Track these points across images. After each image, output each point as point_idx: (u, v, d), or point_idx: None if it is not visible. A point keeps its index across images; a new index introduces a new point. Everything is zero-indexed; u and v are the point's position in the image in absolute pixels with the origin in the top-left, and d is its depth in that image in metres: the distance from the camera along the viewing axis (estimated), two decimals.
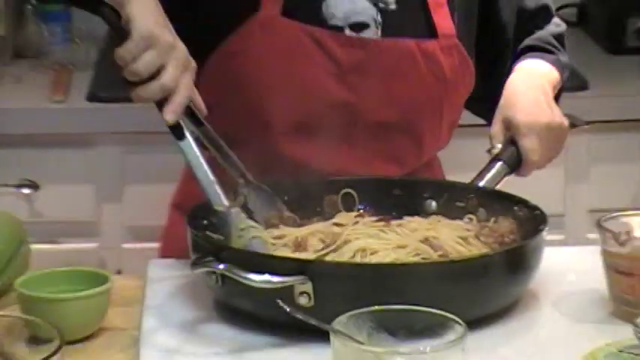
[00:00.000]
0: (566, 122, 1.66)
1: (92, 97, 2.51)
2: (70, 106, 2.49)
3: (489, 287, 1.36)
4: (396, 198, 1.57)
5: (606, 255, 1.41)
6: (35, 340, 1.18)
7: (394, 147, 1.69)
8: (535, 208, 1.48)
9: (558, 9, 3.13)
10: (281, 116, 1.65)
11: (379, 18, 1.66)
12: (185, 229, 1.45)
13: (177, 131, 1.43)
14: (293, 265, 1.31)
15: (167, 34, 1.43)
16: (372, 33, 1.66)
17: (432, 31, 1.68)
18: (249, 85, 1.64)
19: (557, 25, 1.83)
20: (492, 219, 1.51)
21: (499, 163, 1.62)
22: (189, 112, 1.46)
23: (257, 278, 1.29)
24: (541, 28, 1.80)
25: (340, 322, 1.20)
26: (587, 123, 1.82)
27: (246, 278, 1.29)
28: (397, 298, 1.22)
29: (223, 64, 1.64)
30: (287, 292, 1.28)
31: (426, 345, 1.19)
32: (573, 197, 2.60)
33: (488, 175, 1.62)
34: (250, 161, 1.55)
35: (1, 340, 1.26)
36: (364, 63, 1.65)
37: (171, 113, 1.41)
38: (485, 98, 1.73)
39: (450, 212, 1.55)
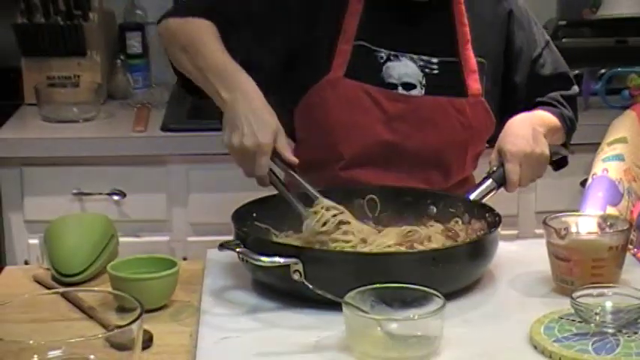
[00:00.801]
0: (546, 153, 1.63)
1: (165, 128, 2.51)
2: (149, 134, 2.49)
3: (457, 269, 1.36)
4: (407, 203, 1.56)
5: (549, 246, 1.40)
6: (122, 310, 1.19)
7: (425, 175, 1.70)
8: (497, 214, 1.47)
9: None
10: (345, 150, 1.66)
11: (424, 80, 1.67)
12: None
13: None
14: (290, 251, 1.31)
15: (249, 140, 1.46)
16: (417, 91, 1.67)
17: (463, 91, 1.68)
18: (323, 126, 1.66)
19: (572, 89, 1.80)
20: (473, 221, 1.51)
21: (489, 180, 1.60)
22: (285, 163, 1.49)
23: (265, 259, 1.30)
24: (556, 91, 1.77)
25: (350, 296, 1.20)
26: (571, 152, 1.80)
27: (256, 259, 1.31)
28: (365, 279, 1.23)
29: (306, 110, 1.67)
30: (286, 270, 1.28)
31: (414, 313, 1.19)
32: (524, 202, 2.58)
33: (480, 189, 1.60)
34: (322, 182, 1.56)
35: (97, 310, 1.27)
36: (406, 113, 1.66)
37: (258, 168, 1.46)
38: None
39: (445, 215, 1.54)
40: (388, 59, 1.66)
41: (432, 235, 1.46)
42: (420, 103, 1.67)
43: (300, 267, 1.28)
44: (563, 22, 2.88)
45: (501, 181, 1.61)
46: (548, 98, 1.76)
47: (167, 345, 1.26)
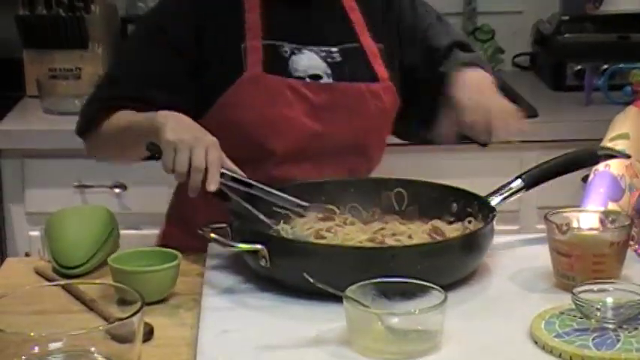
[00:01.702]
0: (488, 74, 1.67)
1: None
2: None
3: (449, 261, 1.36)
4: (432, 199, 1.57)
5: (551, 241, 1.40)
6: (123, 302, 1.19)
7: (350, 163, 1.70)
8: (494, 215, 1.47)
9: (515, 57, 3.13)
10: (272, 147, 1.64)
11: (328, 70, 1.67)
12: (178, 238, 1.58)
13: (222, 196, 1.44)
14: (259, 238, 1.35)
15: (186, 134, 1.43)
16: (325, 82, 1.67)
17: (374, 77, 1.70)
18: (246, 126, 1.63)
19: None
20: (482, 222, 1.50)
21: (518, 180, 1.58)
22: (236, 180, 1.45)
23: (237, 244, 1.35)
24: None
25: (351, 291, 1.20)
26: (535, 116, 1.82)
27: (230, 245, 1.36)
28: (359, 272, 1.24)
29: (223, 113, 1.63)
30: (256, 256, 1.34)
31: (415, 308, 1.19)
32: (526, 197, 2.56)
33: (507, 187, 1.57)
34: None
35: (98, 302, 1.27)
36: (330, 103, 1.66)
37: (212, 184, 1.41)
38: (409, 121, 1.76)
39: (463, 213, 1.54)
40: (292, 53, 1.66)
41: (413, 233, 1.45)
42: (341, 91, 1.67)
43: (265, 253, 1.32)
44: (566, 17, 2.88)
45: (531, 182, 1.59)
46: (467, 58, 1.74)
47: (168, 338, 1.26)
